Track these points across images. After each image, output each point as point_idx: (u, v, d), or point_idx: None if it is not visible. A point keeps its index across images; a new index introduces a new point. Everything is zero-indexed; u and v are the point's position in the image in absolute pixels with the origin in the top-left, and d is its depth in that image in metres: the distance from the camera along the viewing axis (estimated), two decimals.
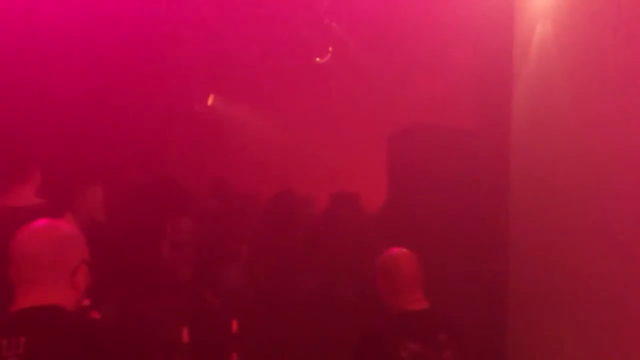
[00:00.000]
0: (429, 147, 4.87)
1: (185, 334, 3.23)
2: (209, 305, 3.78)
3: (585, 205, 3.97)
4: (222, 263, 4.11)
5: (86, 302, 1.93)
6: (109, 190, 5.19)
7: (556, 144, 4.33)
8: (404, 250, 2.88)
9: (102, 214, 4.67)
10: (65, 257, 1.85)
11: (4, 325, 1.75)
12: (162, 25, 7.27)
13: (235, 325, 3.42)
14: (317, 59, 7.83)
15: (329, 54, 7.76)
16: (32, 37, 4.88)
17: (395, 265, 2.81)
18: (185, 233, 3.58)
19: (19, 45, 4.84)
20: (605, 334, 3.51)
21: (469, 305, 4.36)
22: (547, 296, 4.17)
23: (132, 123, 8.20)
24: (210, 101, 9.98)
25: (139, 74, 8.65)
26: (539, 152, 4.57)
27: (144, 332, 3.09)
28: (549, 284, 4.19)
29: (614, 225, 3.49)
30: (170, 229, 3.52)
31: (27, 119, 4.76)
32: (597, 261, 3.58)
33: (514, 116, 4.89)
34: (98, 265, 1.99)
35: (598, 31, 3.95)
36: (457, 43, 7.61)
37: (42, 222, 1.95)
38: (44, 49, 4.89)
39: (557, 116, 4.38)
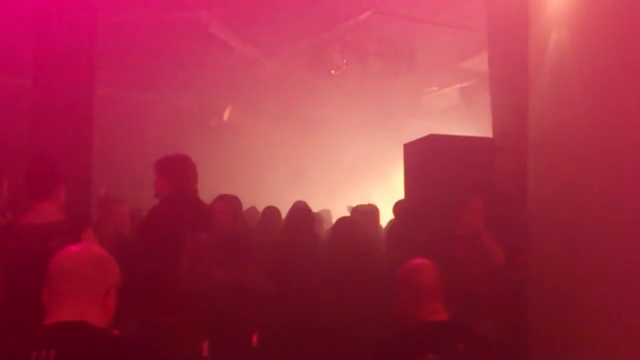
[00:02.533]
0: (446, 154, 4.85)
1: (205, 348, 3.26)
2: (228, 319, 3.79)
3: (604, 208, 3.93)
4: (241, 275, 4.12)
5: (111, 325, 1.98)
6: (129, 206, 5.26)
7: (573, 149, 4.31)
8: (426, 261, 2.88)
9: (123, 229, 4.72)
10: (101, 278, 1.94)
11: (35, 337, 1.81)
12: (180, 38, 7.37)
13: (255, 339, 3.44)
14: (332, 72, 7.88)
15: (344, 66, 7.80)
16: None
17: (416, 276, 2.81)
18: (204, 248, 3.59)
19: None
20: (629, 340, 3.47)
21: (488, 314, 4.33)
22: (568, 305, 4.13)
23: (150, 137, 8.31)
24: (226, 115, 10.04)
25: (160, 88, 8.78)
26: (556, 157, 4.54)
27: (165, 346, 3.10)
28: (569, 292, 4.15)
29: (634, 225, 3.45)
30: (189, 244, 3.53)
31: (51, 137, 4.83)
32: (618, 265, 3.54)
33: (530, 121, 4.87)
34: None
35: (613, 36, 3.94)
36: (472, 50, 7.63)
37: (82, 245, 2.12)
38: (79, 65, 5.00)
39: (574, 121, 4.35)
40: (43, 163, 3.68)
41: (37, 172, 3.58)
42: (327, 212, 7.19)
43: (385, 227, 6.21)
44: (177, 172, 3.71)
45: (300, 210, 5.14)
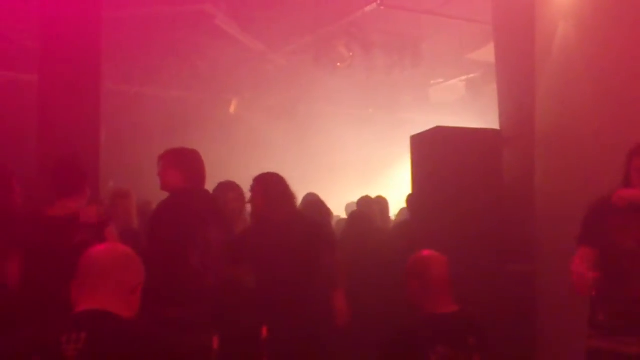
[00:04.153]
0: (452, 145, 4.84)
1: (215, 341, 3.27)
2: (238, 312, 3.80)
3: None
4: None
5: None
6: (139, 199, 5.28)
7: (580, 139, 4.31)
8: (435, 253, 2.87)
9: (131, 222, 4.75)
10: (129, 276, 2.06)
11: (66, 322, 1.92)
12: (186, 31, 7.37)
13: (265, 331, 3.45)
14: (338, 64, 7.88)
15: (350, 59, 7.81)
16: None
17: (426, 268, 2.80)
18: (214, 241, 3.60)
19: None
20: None
21: (497, 307, 4.34)
22: (576, 296, 4.13)
23: (155, 131, 8.34)
24: (232, 109, 10.05)
25: (166, 81, 8.79)
26: (563, 148, 4.54)
27: (176, 338, 3.13)
28: None
29: None
30: (200, 237, 3.54)
31: (58, 132, 4.85)
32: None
33: (537, 112, 4.86)
34: None
35: (620, 28, 3.92)
36: (478, 41, 7.61)
37: (112, 244, 2.50)
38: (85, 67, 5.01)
39: (581, 112, 4.35)
40: (69, 161, 3.75)
41: (64, 169, 3.65)
42: (352, 205, 7.19)
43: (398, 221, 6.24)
44: (192, 166, 3.71)
45: (314, 203, 5.14)
